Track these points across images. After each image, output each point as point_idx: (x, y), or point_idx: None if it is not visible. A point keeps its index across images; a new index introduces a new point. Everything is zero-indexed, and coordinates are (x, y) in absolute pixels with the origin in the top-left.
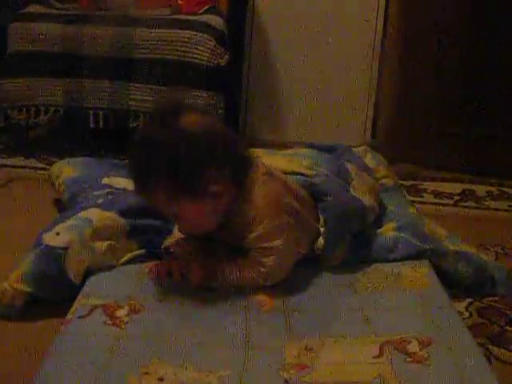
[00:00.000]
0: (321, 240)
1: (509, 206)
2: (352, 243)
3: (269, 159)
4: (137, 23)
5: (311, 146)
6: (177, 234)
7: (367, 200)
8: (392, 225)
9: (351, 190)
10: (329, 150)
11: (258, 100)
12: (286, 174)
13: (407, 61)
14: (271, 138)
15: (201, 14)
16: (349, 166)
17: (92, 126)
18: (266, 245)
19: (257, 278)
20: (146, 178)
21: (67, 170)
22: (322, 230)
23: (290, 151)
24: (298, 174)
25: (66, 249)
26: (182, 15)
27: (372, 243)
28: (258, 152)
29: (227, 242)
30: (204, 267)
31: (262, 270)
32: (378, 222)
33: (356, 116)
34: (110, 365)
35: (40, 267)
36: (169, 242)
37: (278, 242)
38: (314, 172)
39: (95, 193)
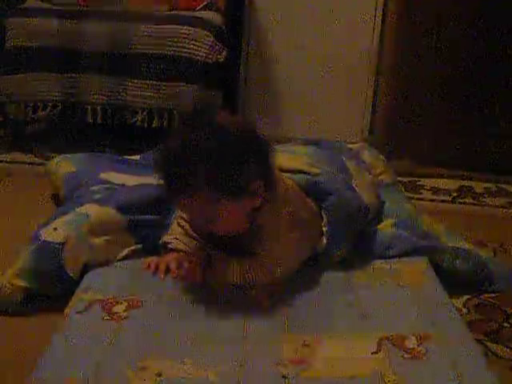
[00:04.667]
0: (323, 240)
1: (507, 202)
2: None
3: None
4: (134, 19)
5: (307, 142)
6: (176, 230)
7: (368, 198)
8: (390, 221)
9: (355, 186)
10: (324, 146)
11: (256, 96)
12: (290, 172)
13: (406, 57)
14: (269, 133)
15: (199, 9)
16: (347, 162)
17: (90, 121)
18: (278, 256)
19: (259, 280)
20: (184, 181)
21: (65, 165)
22: (324, 229)
23: (288, 148)
24: (302, 172)
25: (63, 244)
26: (180, 11)
27: (370, 239)
28: None
29: (234, 248)
30: (203, 264)
31: (268, 276)
32: (376, 219)
33: (354, 112)
34: (108, 360)
35: (37, 262)
36: (167, 237)
37: (290, 256)
38: (318, 170)
39: (93, 188)
